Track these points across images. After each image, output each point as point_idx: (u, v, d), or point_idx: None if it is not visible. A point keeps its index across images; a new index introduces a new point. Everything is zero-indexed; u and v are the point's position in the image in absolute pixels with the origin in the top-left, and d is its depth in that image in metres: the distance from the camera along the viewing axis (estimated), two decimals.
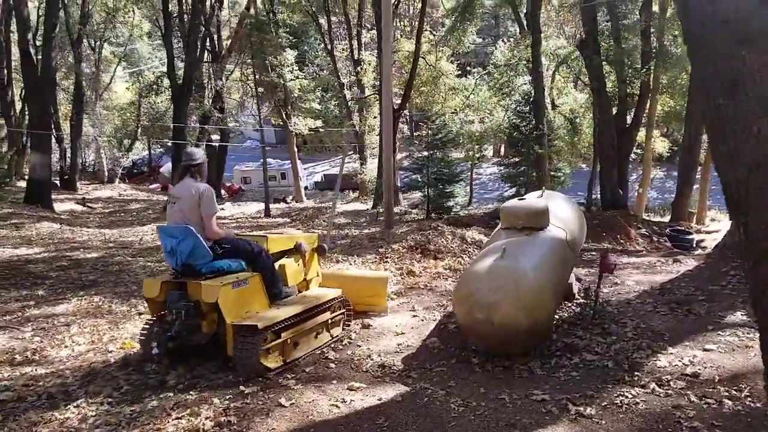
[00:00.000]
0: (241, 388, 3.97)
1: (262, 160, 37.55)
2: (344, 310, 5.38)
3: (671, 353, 4.41)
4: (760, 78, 2.39)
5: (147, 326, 4.59)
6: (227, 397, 3.81)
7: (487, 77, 29.69)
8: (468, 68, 35.44)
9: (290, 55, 26.12)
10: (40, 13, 26.98)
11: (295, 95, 27.04)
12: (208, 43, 25.04)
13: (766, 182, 2.43)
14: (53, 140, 27.18)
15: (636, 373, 4.08)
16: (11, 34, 24.21)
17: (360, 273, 7.00)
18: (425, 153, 18.10)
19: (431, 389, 3.98)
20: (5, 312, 6.30)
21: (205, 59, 23.98)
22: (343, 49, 30.38)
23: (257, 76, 22.89)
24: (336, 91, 32.26)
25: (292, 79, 26.27)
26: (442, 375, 4.28)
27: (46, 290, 7.55)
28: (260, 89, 24.08)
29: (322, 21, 28.00)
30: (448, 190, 18.19)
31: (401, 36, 29.03)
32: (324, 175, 37.91)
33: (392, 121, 11.12)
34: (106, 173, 31.21)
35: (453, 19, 24.98)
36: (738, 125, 2.48)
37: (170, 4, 21.34)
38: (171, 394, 3.87)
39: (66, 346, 5.01)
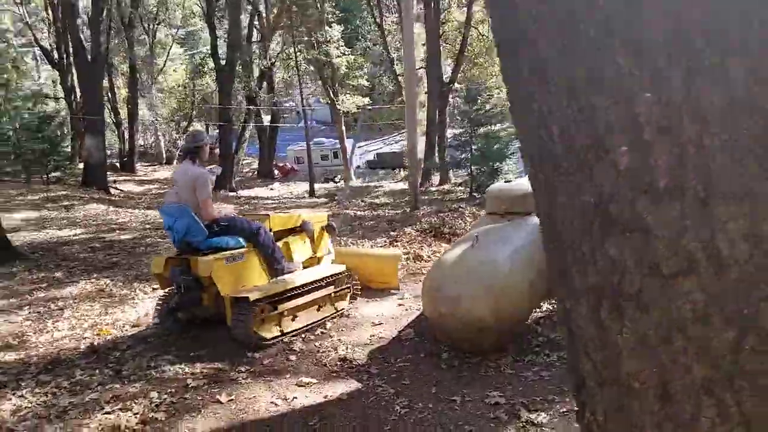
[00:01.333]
0: (188, 381, 3.86)
1: (311, 141, 38.15)
2: (350, 285, 5.55)
3: None
4: None
5: (159, 301, 5.02)
6: (168, 390, 3.71)
7: None
8: None
9: (336, 30, 25.89)
10: None
11: (342, 72, 26.82)
12: (256, 21, 25.15)
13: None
14: (113, 124, 28.37)
15: None
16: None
17: (373, 251, 7.28)
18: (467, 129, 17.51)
19: (383, 387, 3.74)
20: (13, 294, 6.49)
21: (253, 39, 24.07)
22: (393, 22, 29.88)
23: (300, 55, 22.82)
24: (387, 67, 31.81)
25: (338, 56, 26.07)
26: (403, 371, 4.02)
27: (63, 272, 7.75)
28: (306, 67, 24.03)
29: None
30: (495, 167, 17.58)
31: (452, 4, 28.10)
32: (377, 154, 37.69)
33: (414, 88, 10.70)
34: (164, 154, 32.25)
35: None
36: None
37: None
38: (117, 386, 3.81)
39: (48, 332, 5.07)
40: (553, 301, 5.05)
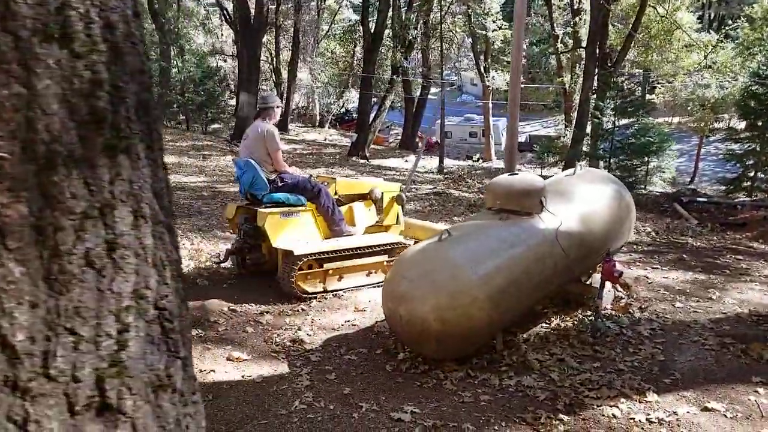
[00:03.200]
0: None
1: (461, 117, 37.33)
2: None
3: (649, 402, 3.20)
4: None
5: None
6: None
7: (734, 32, 24.81)
8: (711, 19, 29.99)
9: (495, 2, 24.85)
10: None
11: (497, 47, 25.75)
12: None
13: None
14: (273, 84, 30.23)
15: (564, 416, 3.04)
16: None
17: (440, 227, 6.96)
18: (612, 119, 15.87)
19: (304, 378, 3.47)
20: None
21: (401, 7, 23.95)
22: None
23: (453, 26, 22.22)
24: (549, 45, 29.92)
25: (494, 30, 25.05)
26: (342, 365, 3.70)
27: None
28: (460, 39, 23.37)
29: None
30: (633, 163, 15.80)
31: None
32: (529, 135, 35.95)
33: (519, 67, 9.67)
34: (318, 117, 33.74)
35: None
36: None
37: None
38: None
39: None
40: (543, 324, 4.32)
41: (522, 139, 36.50)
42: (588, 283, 4.47)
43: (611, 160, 15.59)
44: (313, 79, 31.44)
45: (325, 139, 29.40)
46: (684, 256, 6.94)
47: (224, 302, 4.59)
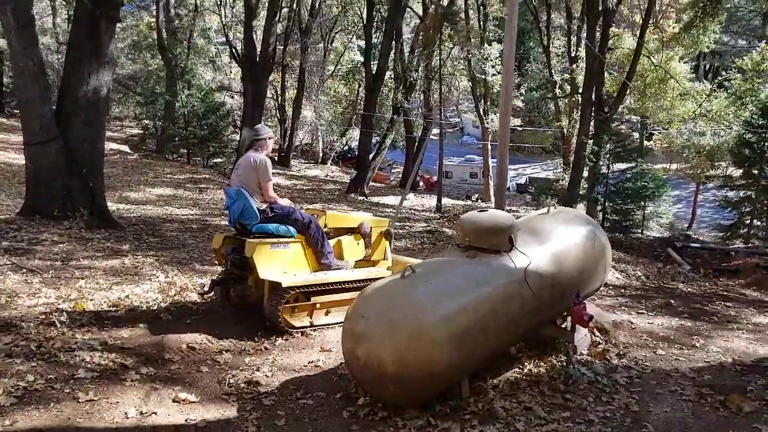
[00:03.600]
0: (80, 372, 3.69)
1: (463, 157, 37.48)
2: None
3: None
4: None
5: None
6: (51, 375, 3.58)
7: (727, 83, 25.00)
8: (707, 70, 30.32)
9: (495, 49, 25.21)
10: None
11: (495, 91, 26.01)
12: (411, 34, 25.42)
13: None
14: (278, 120, 30.54)
15: None
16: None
17: None
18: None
19: (246, 425, 3.28)
20: (64, 257, 6.99)
21: (405, 50, 24.33)
22: (559, 46, 28.35)
23: (454, 70, 22.51)
24: (547, 91, 30.26)
25: (494, 75, 25.34)
26: (294, 411, 3.51)
27: (130, 245, 8.26)
28: (459, 82, 23.64)
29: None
30: (628, 207, 15.72)
31: (622, 29, 25.86)
32: (529, 177, 36.06)
33: (509, 109, 9.61)
34: (320, 154, 33.95)
35: (693, 13, 21.37)
36: None
37: None
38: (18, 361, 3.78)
39: (38, 297, 5.30)
40: (516, 369, 4.13)
41: (522, 180, 36.70)
42: (563, 326, 4.30)
43: (606, 204, 15.52)
44: (317, 117, 31.74)
45: (327, 176, 29.50)
46: (672, 301, 6.76)
47: (184, 338, 4.41)
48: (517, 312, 3.67)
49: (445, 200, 26.64)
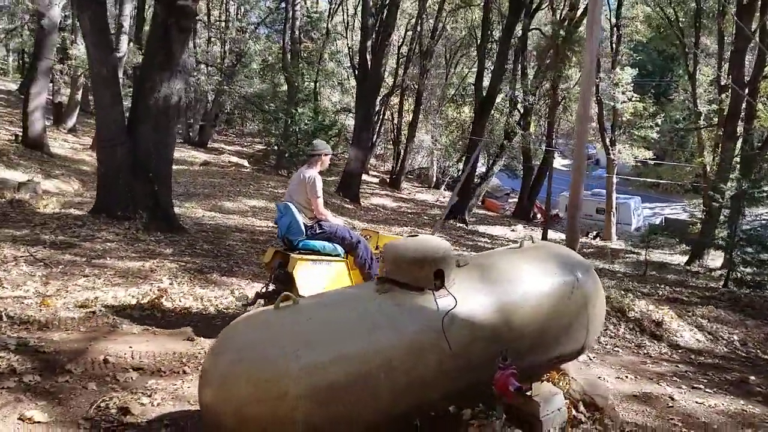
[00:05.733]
0: None
1: (590, 191, 34.74)
2: None
3: None
4: None
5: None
6: None
7: None
8: None
9: (627, 74, 23.26)
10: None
11: (625, 119, 23.88)
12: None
13: None
14: (392, 142, 30.62)
15: None
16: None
17: None
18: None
19: None
20: (98, 254, 7.09)
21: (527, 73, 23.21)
22: (708, 74, 25.46)
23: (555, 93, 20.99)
24: (690, 122, 27.27)
25: (624, 101, 23.33)
26: None
27: (175, 250, 8.27)
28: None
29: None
30: (763, 259, 13.22)
31: None
32: (665, 218, 32.58)
33: (586, 124, 8.37)
34: (434, 179, 33.43)
35: None
36: None
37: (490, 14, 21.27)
38: None
39: (21, 288, 5.28)
40: None
41: (657, 221, 33.25)
42: (528, 394, 3.31)
43: (733, 253, 13.22)
44: (434, 141, 31.38)
45: (437, 201, 28.88)
46: (752, 377, 5.26)
47: (110, 350, 4.06)
48: (430, 370, 2.82)
49: (558, 235, 24.84)
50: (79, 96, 22.55)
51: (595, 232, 26.30)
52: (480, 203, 31.83)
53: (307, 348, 2.62)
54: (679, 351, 6.09)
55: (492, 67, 20.54)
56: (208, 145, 28.86)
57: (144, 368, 3.91)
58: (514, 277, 3.22)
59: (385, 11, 21.19)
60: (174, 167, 20.20)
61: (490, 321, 3.00)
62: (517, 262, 3.37)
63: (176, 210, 12.21)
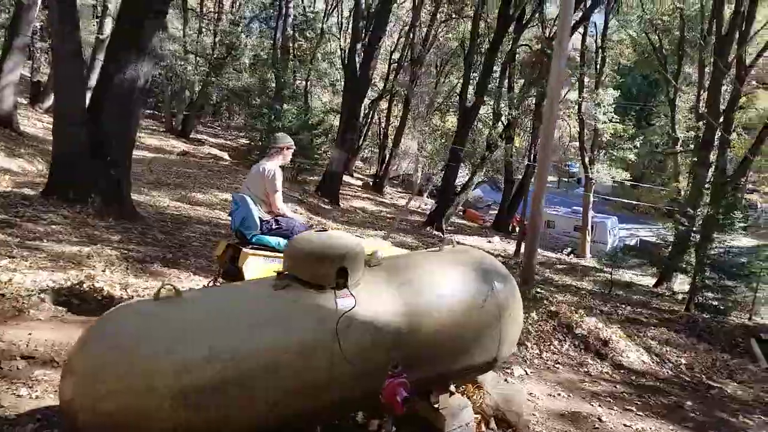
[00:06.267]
0: None
1: (569, 208, 34.83)
2: None
3: None
4: None
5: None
6: None
7: None
8: None
9: (609, 95, 23.35)
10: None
11: (605, 139, 23.96)
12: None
13: None
14: (378, 146, 30.50)
15: None
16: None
17: None
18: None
19: None
20: (34, 236, 6.83)
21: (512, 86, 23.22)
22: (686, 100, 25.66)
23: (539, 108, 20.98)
24: (667, 148, 27.44)
25: (605, 122, 23.40)
26: None
27: (123, 237, 8.01)
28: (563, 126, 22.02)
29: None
30: (728, 286, 13.24)
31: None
32: (641, 239, 32.68)
33: (551, 136, 8.30)
34: (416, 186, 33.33)
35: None
36: None
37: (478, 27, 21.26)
38: None
39: None
40: None
41: (632, 242, 33.37)
42: (436, 406, 3.14)
43: (697, 277, 13.22)
44: (419, 148, 31.29)
45: (418, 207, 28.76)
46: (689, 403, 5.14)
47: (7, 334, 3.83)
48: (321, 374, 2.65)
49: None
50: None
51: (570, 249, 26.31)
52: (461, 213, 31.81)
53: (180, 344, 2.43)
54: (621, 371, 5.97)
55: (477, 79, 20.41)
56: (191, 136, 28.48)
57: (36, 357, 3.68)
58: (426, 282, 3.05)
59: (376, 15, 21.11)
60: (150, 155, 19.97)
61: (393, 326, 2.83)
62: (433, 266, 3.21)
63: (141, 198, 11.99)
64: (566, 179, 47.95)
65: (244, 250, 4.50)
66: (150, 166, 16.84)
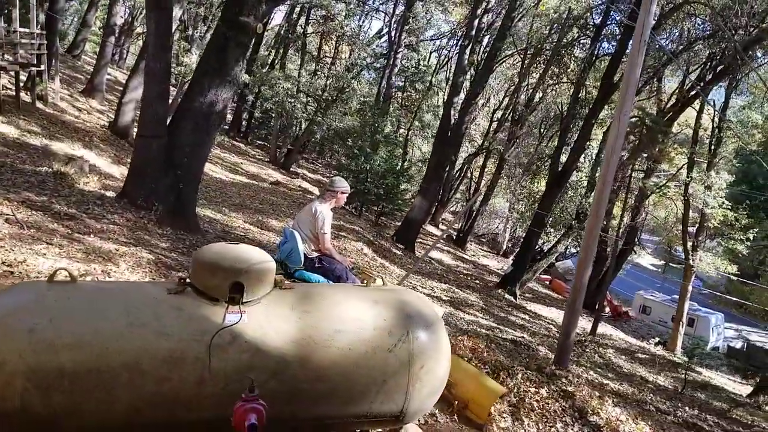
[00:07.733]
0: None
1: (672, 296, 32.14)
2: None
3: None
4: None
5: None
6: None
7: None
8: None
9: (722, 179, 21.73)
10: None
11: (714, 224, 22.13)
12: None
13: None
14: (465, 200, 30.20)
15: None
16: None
17: (477, 372, 5.76)
18: None
19: None
20: (89, 231, 7.33)
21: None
22: None
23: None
24: None
25: (714, 207, 21.69)
26: None
27: (172, 245, 8.44)
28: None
29: None
30: None
31: None
32: (749, 342, 29.43)
33: (603, 203, 7.67)
34: (503, 246, 32.47)
35: None
36: None
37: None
38: None
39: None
40: None
41: (739, 345, 30.13)
42: None
43: None
44: (510, 208, 30.66)
45: (501, 269, 27.94)
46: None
47: None
48: (187, 387, 2.55)
49: (617, 333, 23.10)
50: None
51: (657, 339, 24.14)
52: (547, 283, 30.46)
53: (49, 326, 2.46)
54: None
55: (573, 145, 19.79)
56: (291, 169, 29.86)
57: None
58: (329, 314, 2.88)
59: (478, 72, 21.30)
60: (244, 181, 21.01)
61: (280, 353, 2.69)
62: (348, 300, 3.03)
63: (217, 216, 12.62)
64: (675, 265, 44.66)
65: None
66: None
